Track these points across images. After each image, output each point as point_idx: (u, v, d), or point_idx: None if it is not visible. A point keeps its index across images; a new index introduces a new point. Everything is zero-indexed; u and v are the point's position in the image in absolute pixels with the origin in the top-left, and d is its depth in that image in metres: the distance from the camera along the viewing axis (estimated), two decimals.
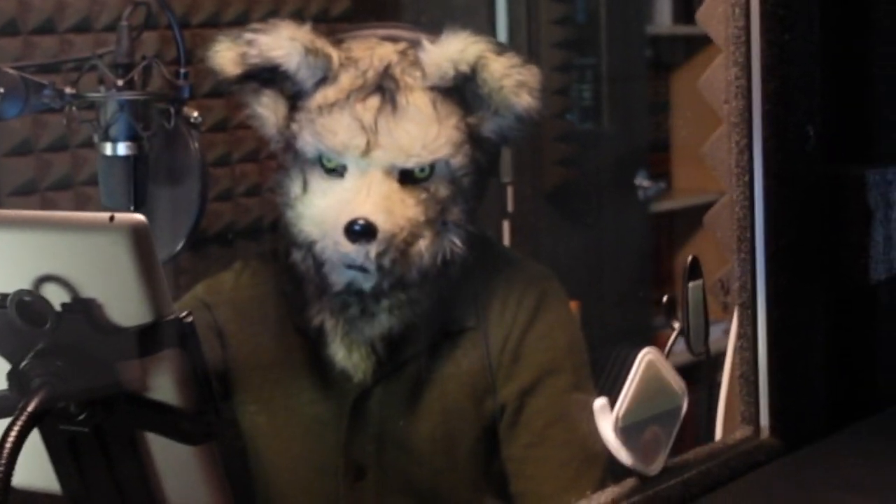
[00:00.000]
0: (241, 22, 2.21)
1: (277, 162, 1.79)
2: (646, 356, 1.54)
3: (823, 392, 1.81)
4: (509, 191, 2.75)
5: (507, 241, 2.72)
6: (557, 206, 2.95)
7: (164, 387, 1.06)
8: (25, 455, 1.00)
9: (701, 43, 3.17)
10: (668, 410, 1.58)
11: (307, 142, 1.69)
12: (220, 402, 1.08)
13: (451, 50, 1.67)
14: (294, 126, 1.71)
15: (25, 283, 1.04)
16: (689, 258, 1.66)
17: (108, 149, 1.55)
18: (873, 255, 1.82)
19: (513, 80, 1.66)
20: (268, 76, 1.70)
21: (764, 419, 1.74)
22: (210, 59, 1.69)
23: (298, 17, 1.94)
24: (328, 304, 1.72)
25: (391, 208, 1.66)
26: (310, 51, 1.68)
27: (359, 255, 1.65)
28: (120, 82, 1.54)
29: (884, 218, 1.83)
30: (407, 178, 1.69)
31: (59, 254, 1.04)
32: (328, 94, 1.68)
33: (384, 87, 1.67)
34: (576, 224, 3.00)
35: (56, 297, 1.04)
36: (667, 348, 1.60)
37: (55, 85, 1.53)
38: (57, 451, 1.10)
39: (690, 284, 1.65)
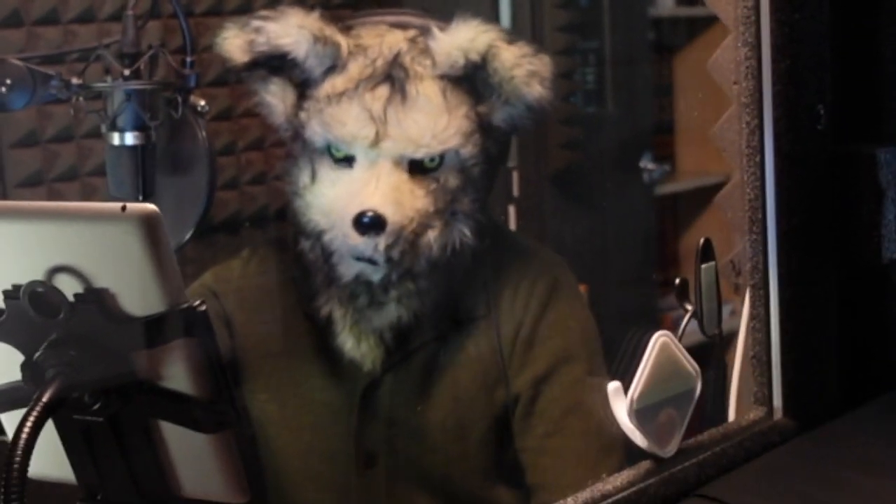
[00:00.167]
0: (244, 10, 2.19)
1: (286, 150, 1.78)
2: (659, 338, 1.54)
3: (836, 371, 1.81)
4: (514, 175, 2.75)
5: (512, 225, 2.71)
6: (562, 190, 2.95)
7: (178, 375, 1.06)
8: (40, 445, 1.00)
9: (704, 24, 3.18)
10: (683, 392, 1.58)
11: (315, 132, 1.68)
12: (234, 390, 1.07)
13: (462, 38, 1.66)
14: (302, 115, 1.69)
15: (38, 274, 1.04)
16: (702, 240, 1.65)
17: (115, 139, 1.55)
18: (885, 233, 1.82)
19: (524, 70, 1.65)
20: (276, 64, 1.68)
21: (777, 400, 1.74)
22: (218, 46, 1.67)
23: (302, 2, 1.93)
24: (336, 294, 1.71)
25: (400, 199, 1.65)
26: (318, 39, 1.66)
27: (367, 247, 1.64)
28: (126, 72, 1.54)
29: (895, 196, 1.82)
30: (416, 168, 1.67)
31: (72, 244, 1.04)
32: (337, 82, 1.67)
33: (394, 76, 1.66)
34: (581, 207, 2.99)
35: (69, 287, 1.04)
36: (680, 330, 1.59)
37: (62, 75, 1.53)
38: (72, 441, 1.11)
39: (703, 266, 1.65)
